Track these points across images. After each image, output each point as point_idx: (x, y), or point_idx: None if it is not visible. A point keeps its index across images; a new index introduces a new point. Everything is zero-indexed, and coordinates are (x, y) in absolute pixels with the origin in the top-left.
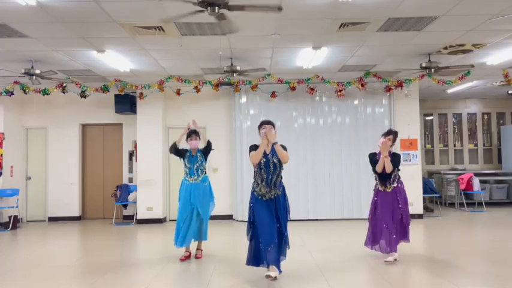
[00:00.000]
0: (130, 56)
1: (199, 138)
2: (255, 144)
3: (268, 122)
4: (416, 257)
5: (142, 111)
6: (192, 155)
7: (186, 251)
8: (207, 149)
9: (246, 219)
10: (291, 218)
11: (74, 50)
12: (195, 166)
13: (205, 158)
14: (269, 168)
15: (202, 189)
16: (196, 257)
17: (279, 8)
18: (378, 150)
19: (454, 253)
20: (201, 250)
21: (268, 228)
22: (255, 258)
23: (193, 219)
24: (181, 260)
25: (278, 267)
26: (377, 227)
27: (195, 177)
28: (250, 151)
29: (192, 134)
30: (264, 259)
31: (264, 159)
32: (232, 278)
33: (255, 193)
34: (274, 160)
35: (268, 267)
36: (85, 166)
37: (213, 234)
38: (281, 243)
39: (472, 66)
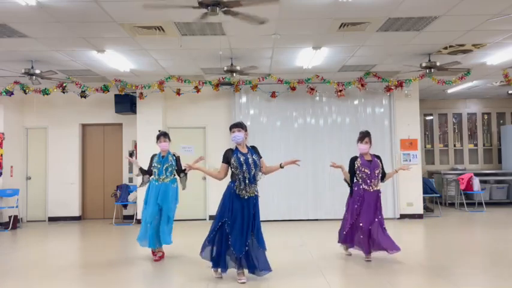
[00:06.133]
0: (130, 56)
1: (169, 140)
2: (227, 151)
3: (236, 126)
4: (416, 257)
5: (142, 111)
6: (162, 156)
7: (159, 251)
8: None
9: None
10: (292, 218)
11: (74, 50)
12: (165, 166)
13: (178, 166)
14: (249, 166)
15: (171, 190)
16: (159, 258)
17: (262, 22)
18: (358, 153)
19: (454, 253)
20: (163, 252)
21: (244, 235)
22: (218, 261)
23: (162, 219)
24: (156, 260)
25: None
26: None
27: (163, 177)
28: (222, 160)
29: (161, 136)
30: (229, 264)
31: (244, 157)
32: (229, 276)
33: (236, 190)
34: (254, 157)
35: (239, 270)
36: (85, 166)
37: None
38: (254, 247)
39: (469, 70)
